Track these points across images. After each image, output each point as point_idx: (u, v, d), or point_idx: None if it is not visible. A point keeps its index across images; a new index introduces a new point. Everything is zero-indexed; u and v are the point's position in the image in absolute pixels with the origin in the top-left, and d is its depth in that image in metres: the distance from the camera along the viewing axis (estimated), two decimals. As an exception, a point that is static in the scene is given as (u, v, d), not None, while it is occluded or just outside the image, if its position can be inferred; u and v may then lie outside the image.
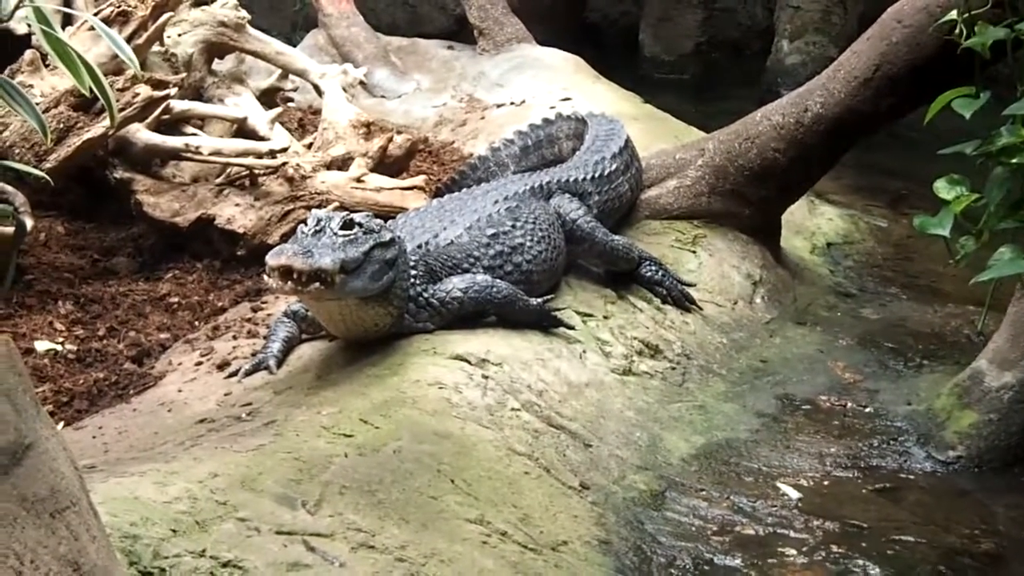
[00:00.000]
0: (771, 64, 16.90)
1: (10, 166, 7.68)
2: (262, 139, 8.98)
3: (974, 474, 6.85)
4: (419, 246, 6.93)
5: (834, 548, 6.00)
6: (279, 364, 6.82)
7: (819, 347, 8.30)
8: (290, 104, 10.90)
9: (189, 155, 8.64)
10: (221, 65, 10.06)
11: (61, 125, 8.14)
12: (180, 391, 6.82)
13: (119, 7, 8.75)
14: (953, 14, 6.72)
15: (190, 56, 9.53)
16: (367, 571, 4.68)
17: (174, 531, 4.51)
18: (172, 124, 8.87)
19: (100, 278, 8.28)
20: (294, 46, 11.44)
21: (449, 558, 4.93)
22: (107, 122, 7.96)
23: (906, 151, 12.12)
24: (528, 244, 7.31)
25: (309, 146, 9.29)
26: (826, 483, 6.64)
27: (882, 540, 6.10)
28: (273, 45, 10.11)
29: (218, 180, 8.69)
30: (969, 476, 6.83)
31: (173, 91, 8.51)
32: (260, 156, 8.53)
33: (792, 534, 6.10)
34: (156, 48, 9.23)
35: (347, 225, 6.31)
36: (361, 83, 10.50)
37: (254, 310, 7.77)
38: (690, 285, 8.26)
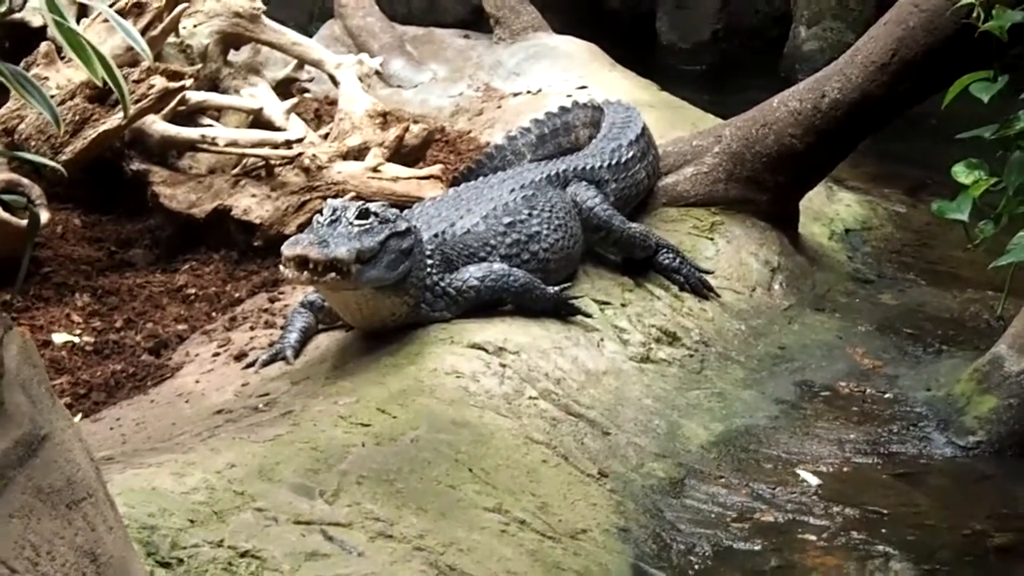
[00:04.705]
0: (788, 51, 16.85)
1: (26, 158, 7.69)
2: (278, 130, 8.97)
3: (994, 459, 6.80)
4: (435, 235, 6.91)
5: (854, 534, 5.97)
6: (296, 354, 6.83)
7: (838, 333, 8.26)
8: (306, 95, 10.88)
9: (205, 146, 8.65)
10: (237, 56, 10.07)
11: (77, 117, 8.15)
12: (197, 382, 6.84)
13: (134, -1, 8.76)
14: (971, -3, 6.70)
15: (205, 47, 9.54)
16: (385, 560, 4.68)
17: (192, 521, 4.52)
18: (188, 115, 8.89)
19: (117, 270, 8.29)
20: (310, 36, 11.45)
21: (467, 547, 4.93)
22: (121, 114, 7.97)
23: (924, 137, 12.07)
24: (545, 232, 7.30)
25: (325, 136, 9.30)
26: (846, 469, 6.62)
27: (902, 526, 6.08)
28: (289, 35, 10.11)
29: (234, 171, 8.68)
30: (989, 461, 6.79)
31: (188, 82, 8.51)
32: (276, 147, 8.53)
33: (812, 521, 6.08)
34: (171, 39, 9.24)
35: (363, 215, 6.31)
36: (377, 73, 10.49)
37: (271, 301, 7.77)
38: (708, 272, 8.23)
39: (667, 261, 8.02)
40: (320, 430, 5.49)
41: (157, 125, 8.55)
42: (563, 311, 7.10)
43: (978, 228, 6.72)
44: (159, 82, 8.21)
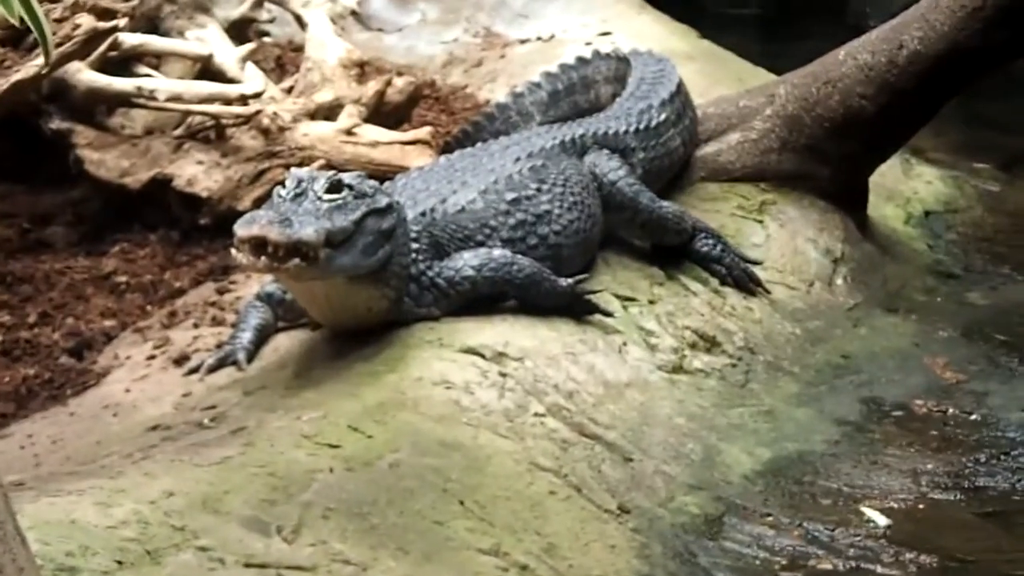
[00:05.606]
0: (858, -9, 16.86)
1: (-78, 114, 7.71)
2: (231, 81, 8.97)
3: (1103, 496, 6.84)
4: (423, 214, 6.92)
5: (931, 586, 6.00)
6: (250, 358, 6.85)
7: (914, 339, 8.28)
8: (266, 39, 10.89)
9: (141, 101, 8.64)
10: (181, -10, 10.07)
11: (-16, 64, 8.16)
12: (128, 391, 6.86)
13: (56, -81, 8.76)
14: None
15: (143, -21, 9.54)
16: (356, 612, 4.70)
17: (119, 563, 4.53)
18: (121, 63, 8.86)
19: (31, 252, 8.30)
20: (271, -33, 11.45)
21: (457, 596, 4.96)
22: (40, 60, 7.97)
23: (1023, 99, 12.09)
24: (556, 212, 7.30)
25: (289, 90, 9.29)
26: (921, 507, 6.64)
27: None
28: (245, -35, 10.13)
29: (177, 132, 8.69)
30: (1098, 499, 6.83)
31: (122, 22, 8.50)
32: (229, 102, 8.53)
33: (879, 569, 6.09)
34: (102, -31, 9.25)
35: (334, 187, 6.32)
36: (353, 13, 10.50)
37: (220, 292, 7.78)
38: (755, 263, 8.24)
39: (706, 249, 8.03)
40: (279, 452, 5.49)
41: (83, 75, 8.54)
42: (577, 308, 7.12)
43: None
44: (86, 21, 8.22)
